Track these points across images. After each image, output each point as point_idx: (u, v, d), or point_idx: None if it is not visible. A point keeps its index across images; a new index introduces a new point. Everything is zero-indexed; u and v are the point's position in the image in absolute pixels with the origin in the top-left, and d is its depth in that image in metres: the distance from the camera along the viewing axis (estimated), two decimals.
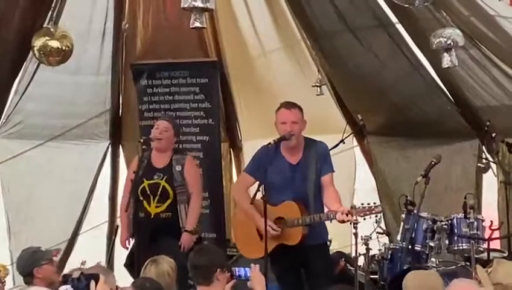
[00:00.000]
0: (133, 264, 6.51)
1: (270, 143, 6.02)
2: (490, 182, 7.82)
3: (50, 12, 7.19)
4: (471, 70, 7.26)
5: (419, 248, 6.57)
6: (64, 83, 8.18)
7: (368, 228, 6.48)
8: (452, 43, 6.36)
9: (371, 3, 7.19)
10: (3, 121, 8.25)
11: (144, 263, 5.36)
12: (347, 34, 7.53)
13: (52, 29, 7.07)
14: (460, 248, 6.60)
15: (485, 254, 6.57)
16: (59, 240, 8.32)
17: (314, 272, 6.06)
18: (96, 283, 4.02)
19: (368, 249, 6.54)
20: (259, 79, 8.72)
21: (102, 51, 8.19)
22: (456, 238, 6.58)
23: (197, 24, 5.61)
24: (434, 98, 7.91)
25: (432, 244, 6.55)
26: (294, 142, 6.06)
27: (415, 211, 6.54)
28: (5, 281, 6.12)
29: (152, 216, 6.75)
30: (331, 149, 6.59)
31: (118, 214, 7.67)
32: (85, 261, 5.71)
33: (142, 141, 7.24)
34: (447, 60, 6.44)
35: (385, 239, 6.98)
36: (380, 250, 6.72)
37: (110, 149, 8.99)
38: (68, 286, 4.05)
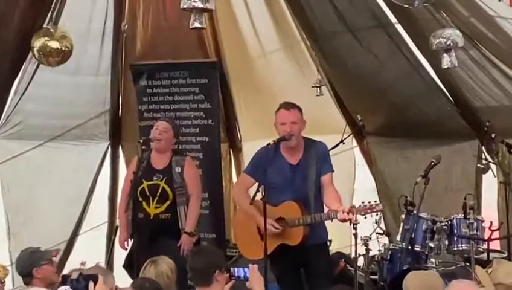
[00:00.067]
0: (131, 265, 6.51)
1: (269, 144, 6.03)
2: (490, 182, 7.81)
3: (50, 13, 7.19)
4: (470, 71, 7.26)
5: (418, 249, 6.56)
6: (64, 83, 8.18)
7: (367, 229, 6.48)
8: (452, 44, 6.36)
9: (370, 3, 7.19)
10: (3, 121, 8.25)
11: (143, 264, 5.35)
12: (347, 34, 7.53)
13: (51, 30, 7.07)
14: (460, 248, 6.59)
15: (484, 255, 6.57)
16: (59, 241, 8.32)
17: (314, 272, 6.07)
18: (95, 284, 4.02)
19: (367, 250, 6.53)
20: (258, 79, 8.72)
21: (102, 51, 8.19)
22: (455, 238, 6.57)
23: (197, 24, 5.61)
24: (434, 98, 7.91)
25: (431, 244, 6.54)
26: (294, 143, 6.07)
27: (415, 212, 6.53)
28: (4, 282, 6.12)
29: (151, 217, 6.74)
30: (330, 149, 6.60)
31: (117, 214, 7.66)
32: (85, 262, 5.69)
33: (141, 141, 7.23)
34: (446, 61, 6.45)
35: (385, 240, 6.97)
36: (379, 250, 6.71)
37: (109, 150, 8.99)
38: (67, 287, 4.05)
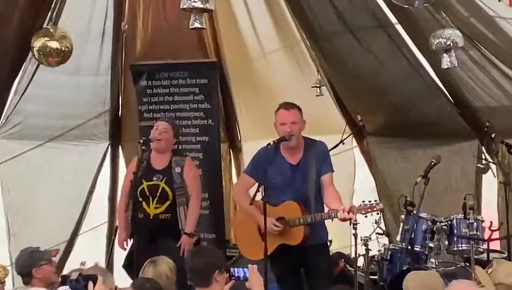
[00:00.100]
0: (131, 265, 6.50)
1: (269, 144, 6.03)
2: (490, 182, 7.81)
3: (49, 13, 7.19)
4: (470, 71, 7.26)
5: (418, 249, 6.56)
6: (64, 83, 8.18)
7: (367, 229, 6.48)
8: (452, 44, 6.37)
9: (370, 3, 7.19)
10: (3, 121, 8.25)
11: (142, 264, 5.35)
12: (346, 34, 7.53)
13: (51, 30, 7.07)
14: (460, 248, 6.58)
15: (484, 255, 6.57)
16: (59, 241, 8.32)
17: (314, 272, 6.06)
18: (95, 284, 4.02)
19: (367, 250, 6.52)
20: (258, 79, 8.72)
21: (101, 51, 8.19)
22: (455, 239, 6.57)
23: (197, 25, 5.61)
24: (433, 98, 7.91)
25: (431, 245, 6.54)
26: (294, 143, 6.07)
27: (415, 212, 6.53)
28: (4, 282, 6.12)
29: (151, 217, 6.73)
30: (330, 150, 6.60)
31: (117, 214, 7.66)
32: (85, 262, 5.69)
33: (141, 141, 7.22)
34: (446, 61, 6.45)
35: (385, 240, 6.97)
36: (379, 251, 6.70)
37: (109, 150, 8.99)
38: (66, 287, 4.05)
